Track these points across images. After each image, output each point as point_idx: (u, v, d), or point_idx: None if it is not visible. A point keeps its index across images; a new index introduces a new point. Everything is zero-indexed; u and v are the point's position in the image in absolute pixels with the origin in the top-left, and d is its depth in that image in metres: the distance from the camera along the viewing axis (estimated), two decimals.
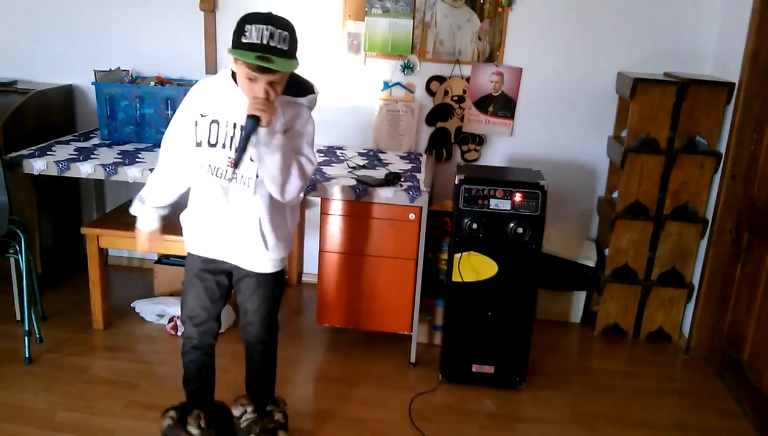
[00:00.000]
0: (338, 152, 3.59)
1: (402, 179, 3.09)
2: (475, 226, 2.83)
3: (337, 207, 3.02)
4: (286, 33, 1.94)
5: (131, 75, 3.68)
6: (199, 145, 2.15)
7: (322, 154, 3.52)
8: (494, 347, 2.96)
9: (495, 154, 3.75)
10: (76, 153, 3.23)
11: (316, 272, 3.18)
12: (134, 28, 3.75)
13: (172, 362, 2.73)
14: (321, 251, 3.09)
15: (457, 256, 2.88)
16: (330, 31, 3.65)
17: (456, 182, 2.84)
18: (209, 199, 2.19)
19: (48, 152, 3.21)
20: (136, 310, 3.50)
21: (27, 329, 3.00)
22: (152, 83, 3.56)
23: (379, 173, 3.17)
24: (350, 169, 3.23)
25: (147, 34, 3.73)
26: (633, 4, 3.46)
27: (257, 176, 2.11)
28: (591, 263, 3.55)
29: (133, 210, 2.36)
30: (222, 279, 2.33)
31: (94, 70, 3.48)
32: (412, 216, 2.98)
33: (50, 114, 3.68)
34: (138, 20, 3.74)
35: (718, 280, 3.27)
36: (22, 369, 2.94)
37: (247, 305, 2.35)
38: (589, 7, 3.48)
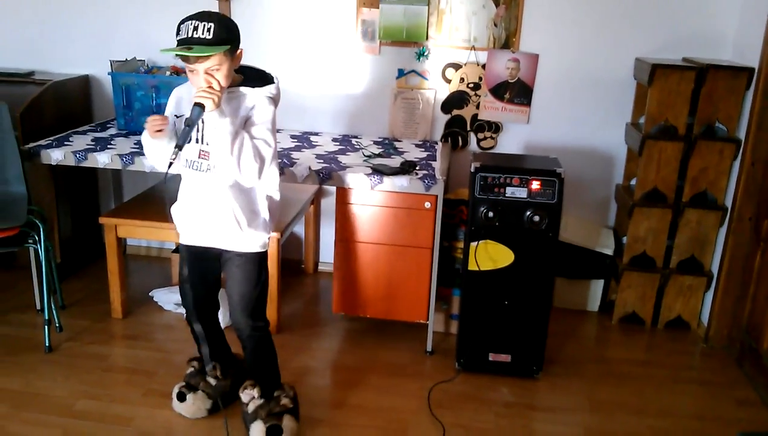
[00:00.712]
0: (353, 141, 3.59)
1: (417, 168, 3.08)
2: (491, 214, 2.81)
3: (352, 196, 3.02)
4: (211, 24, 2.08)
5: (147, 65, 3.69)
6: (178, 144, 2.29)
7: (338, 143, 3.52)
8: (511, 336, 2.95)
9: (511, 142, 3.72)
10: (93, 143, 3.25)
11: (332, 261, 3.18)
12: (149, 18, 3.76)
13: (190, 351, 2.75)
14: (337, 240, 3.09)
15: (473, 244, 2.87)
16: (345, 19, 3.63)
17: (472, 170, 2.82)
18: (190, 191, 2.37)
19: (65, 143, 3.24)
20: (155, 299, 3.53)
21: (47, 318, 3.03)
22: (168, 73, 3.57)
23: (395, 162, 3.16)
24: (365, 158, 3.23)
25: (162, 24, 3.73)
26: None
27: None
28: (609, 251, 3.52)
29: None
30: (213, 265, 2.48)
31: (110, 61, 3.50)
32: (427, 205, 2.97)
33: (67, 104, 3.70)
34: (153, 10, 3.74)
35: (737, 268, 3.23)
36: (42, 357, 2.98)
37: (230, 291, 2.45)
38: None
